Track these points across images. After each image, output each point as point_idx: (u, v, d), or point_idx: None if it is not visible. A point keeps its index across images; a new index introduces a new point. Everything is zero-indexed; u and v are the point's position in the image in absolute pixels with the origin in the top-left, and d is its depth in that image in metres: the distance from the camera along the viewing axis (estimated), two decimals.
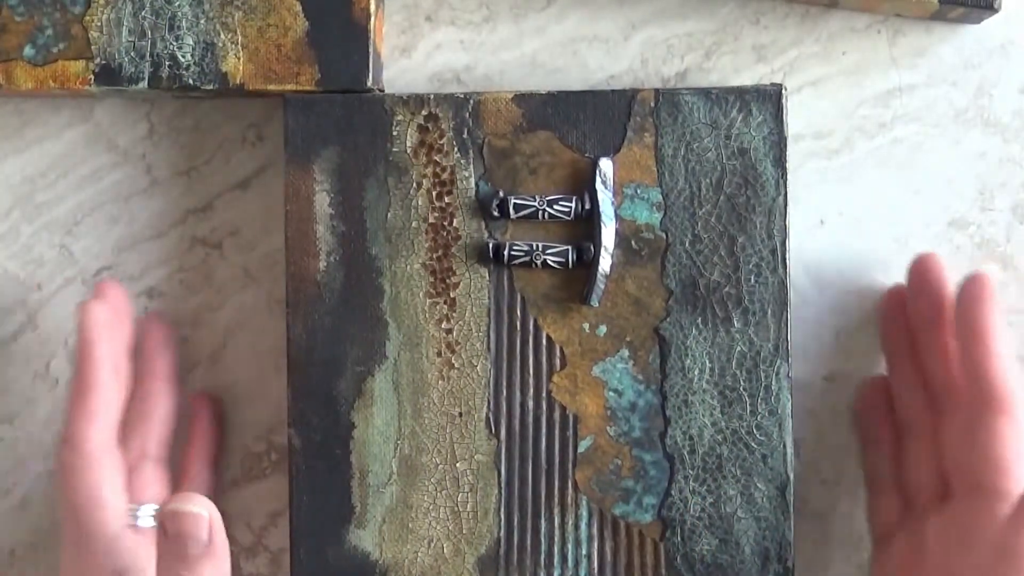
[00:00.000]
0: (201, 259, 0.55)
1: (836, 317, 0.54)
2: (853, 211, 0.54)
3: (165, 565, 0.44)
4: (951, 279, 0.50)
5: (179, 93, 0.53)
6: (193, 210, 0.55)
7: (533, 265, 0.50)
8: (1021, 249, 0.54)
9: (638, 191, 0.50)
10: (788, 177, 0.50)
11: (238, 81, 0.52)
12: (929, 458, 0.50)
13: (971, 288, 0.48)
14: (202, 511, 0.44)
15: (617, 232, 0.50)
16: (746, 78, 0.54)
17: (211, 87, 0.52)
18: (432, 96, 0.50)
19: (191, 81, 0.52)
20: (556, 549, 0.50)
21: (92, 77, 0.52)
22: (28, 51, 0.52)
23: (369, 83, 0.51)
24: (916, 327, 0.51)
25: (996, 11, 0.52)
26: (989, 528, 0.46)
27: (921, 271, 0.51)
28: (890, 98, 0.54)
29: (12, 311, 0.55)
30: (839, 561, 0.53)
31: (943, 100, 0.54)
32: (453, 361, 0.50)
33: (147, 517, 0.49)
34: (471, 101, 0.50)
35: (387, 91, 0.53)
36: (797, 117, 0.53)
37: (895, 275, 0.53)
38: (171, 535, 0.44)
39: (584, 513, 0.50)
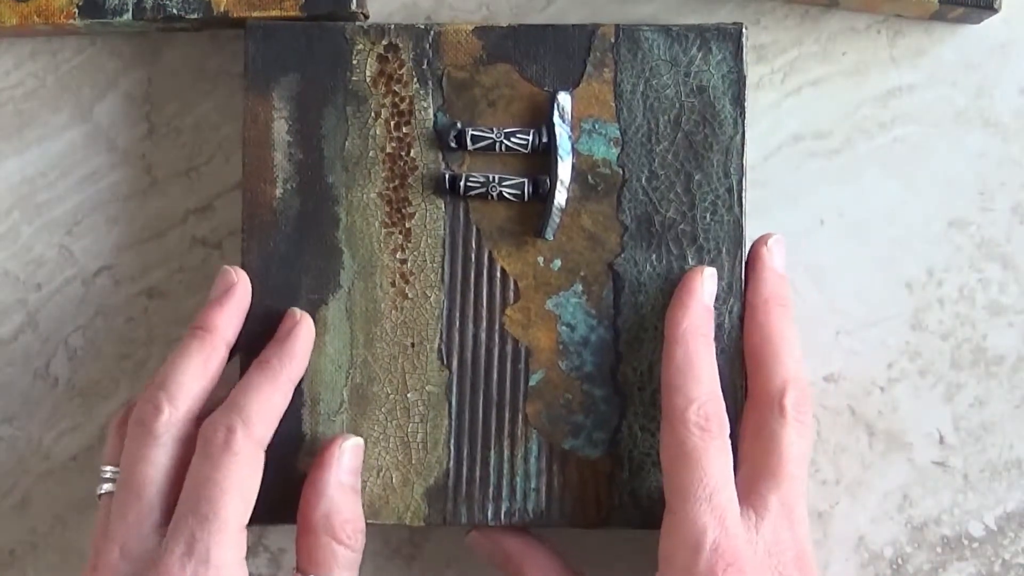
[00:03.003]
0: (201, 259, 0.55)
1: (836, 317, 0.53)
2: (853, 211, 0.53)
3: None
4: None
5: (164, 24, 0.53)
6: (193, 210, 0.55)
7: (489, 197, 0.50)
8: (1021, 249, 0.53)
9: (596, 126, 0.50)
10: (746, 116, 0.50)
11: (222, 9, 0.52)
12: None
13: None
14: None
15: (573, 167, 0.50)
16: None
17: (195, 16, 0.52)
18: (393, 26, 0.50)
19: (175, 11, 0.52)
20: (505, 482, 0.50)
21: (76, 10, 0.52)
22: None
23: (354, 7, 0.51)
24: None
25: (996, 11, 0.51)
26: None
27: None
28: (890, 98, 0.54)
29: (12, 311, 0.55)
30: (839, 561, 0.53)
31: (943, 100, 0.54)
32: (407, 291, 0.50)
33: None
34: (431, 32, 0.50)
35: None
36: (797, 117, 0.54)
37: (895, 275, 0.53)
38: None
39: (534, 447, 0.50)
